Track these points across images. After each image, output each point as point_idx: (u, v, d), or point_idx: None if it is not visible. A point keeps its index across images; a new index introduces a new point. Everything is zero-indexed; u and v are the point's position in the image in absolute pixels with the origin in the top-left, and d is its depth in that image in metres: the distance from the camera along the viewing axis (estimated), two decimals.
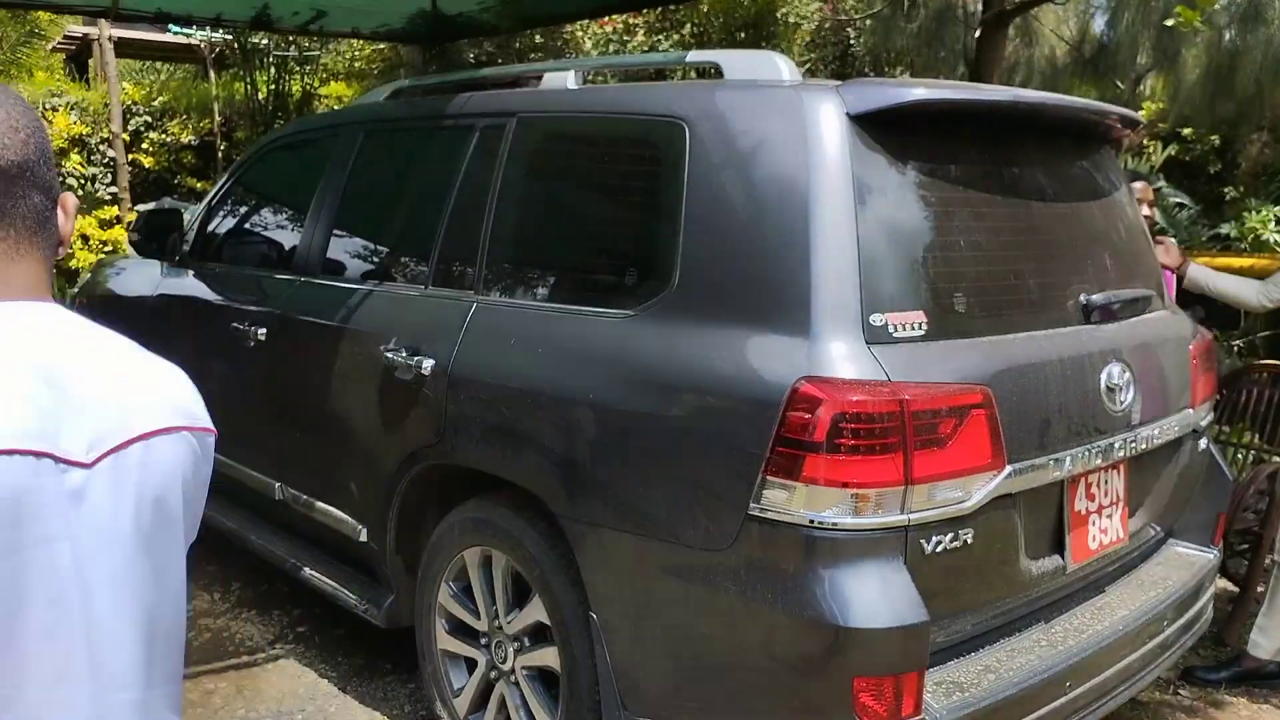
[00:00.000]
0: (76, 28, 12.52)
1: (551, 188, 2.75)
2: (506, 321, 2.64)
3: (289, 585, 4.04)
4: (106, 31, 9.61)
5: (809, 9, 10.39)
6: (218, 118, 10.06)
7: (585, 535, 2.31)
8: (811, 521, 1.95)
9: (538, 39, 10.64)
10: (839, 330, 2.02)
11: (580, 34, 10.76)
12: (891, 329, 2.05)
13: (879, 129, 2.19)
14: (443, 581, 2.84)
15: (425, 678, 2.92)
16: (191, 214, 4.28)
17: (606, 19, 11.00)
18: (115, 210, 9.31)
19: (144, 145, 9.78)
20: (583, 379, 2.35)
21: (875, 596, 1.93)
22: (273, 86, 10.05)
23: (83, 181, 9.39)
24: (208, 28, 10.74)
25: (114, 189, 9.44)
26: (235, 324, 3.58)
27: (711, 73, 2.49)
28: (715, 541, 2.06)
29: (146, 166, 9.76)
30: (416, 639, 2.95)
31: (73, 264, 8.75)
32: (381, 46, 10.99)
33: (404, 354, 2.82)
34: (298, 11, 7.47)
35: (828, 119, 2.16)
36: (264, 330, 3.45)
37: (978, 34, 6.14)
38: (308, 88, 10.36)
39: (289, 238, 3.71)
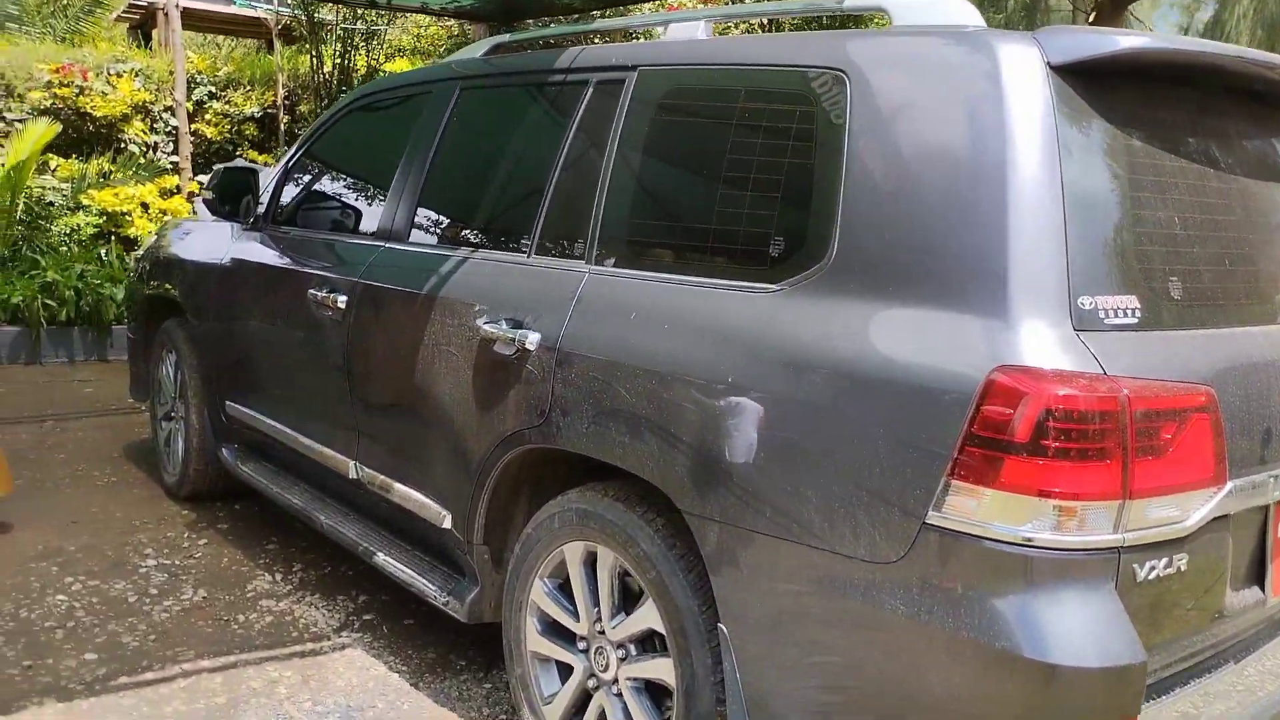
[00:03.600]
0: None
1: (679, 148, 2.48)
2: (625, 295, 2.37)
3: (353, 568, 3.82)
4: None
5: None
6: (281, 91, 9.91)
7: (718, 537, 2.04)
8: (1006, 536, 1.67)
9: (599, 19, 10.38)
10: (1041, 313, 1.73)
11: (651, 13, 10.50)
12: (1102, 314, 1.76)
13: (1084, 83, 1.89)
14: (537, 577, 2.58)
15: (513, 680, 2.67)
16: (266, 175, 4.06)
17: (675, 1, 10.73)
18: (175, 180, 9.18)
19: (207, 115, 9.66)
20: (721, 361, 2.07)
21: (1084, 629, 1.64)
22: (338, 61, 9.89)
23: (144, 149, 9.28)
24: (275, 0, 10.64)
25: (175, 158, 9.31)
26: (313, 291, 3.36)
27: (874, 21, 2.20)
28: (883, 553, 1.78)
29: (209, 137, 9.64)
30: (504, 638, 2.70)
31: (130, 231, 8.63)
32: (449, 23, 10.81)
33: (504, 326, 2.57)
34: None
35: (1026, 70, 1.87)
36: (344, 298, 3.22)
37: (1090, 20, 5.79)
38: (372, 63, 10.18)
39: (373, 201, 3.48)
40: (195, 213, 9.03)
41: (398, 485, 3.06)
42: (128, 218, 8.63)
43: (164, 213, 8.85)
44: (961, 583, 1.70)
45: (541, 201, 2.71)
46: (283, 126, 9.93)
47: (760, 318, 2.06)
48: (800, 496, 1.90)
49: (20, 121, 8.55)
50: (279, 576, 3.75)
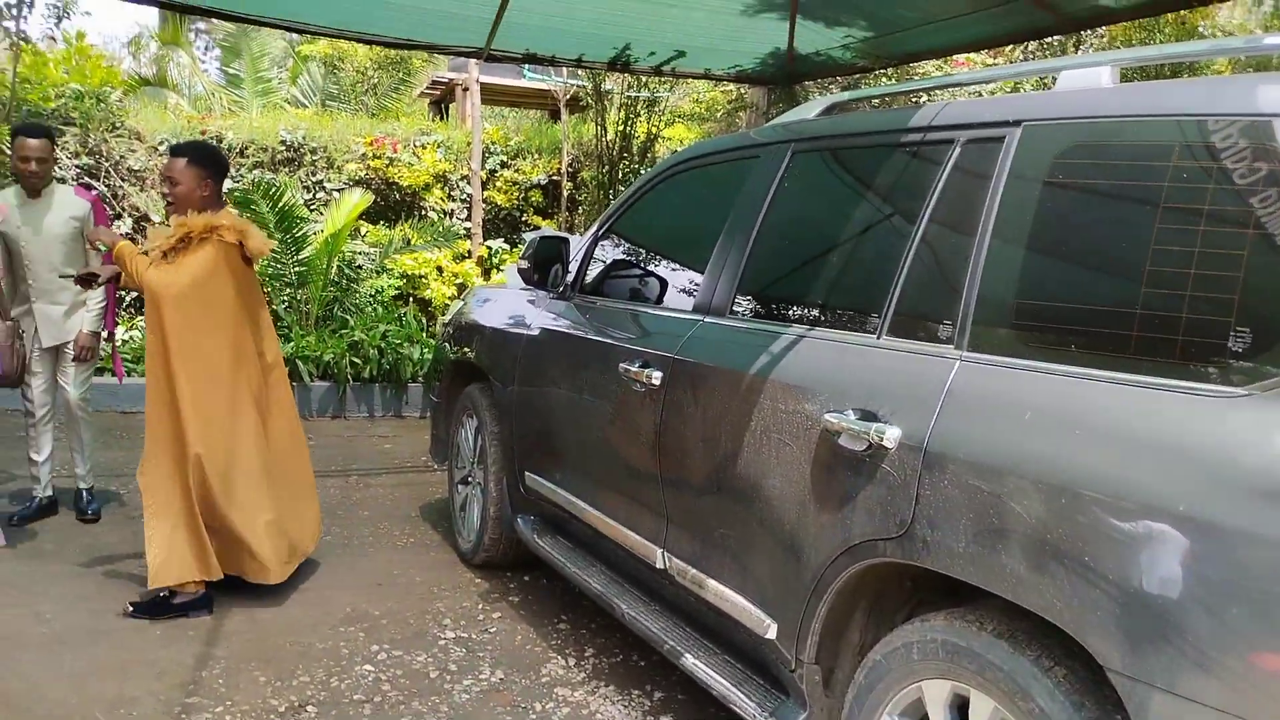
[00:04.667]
0: (441, 74, 13.43)
1: (1084, 216, 2.08)
2: (1016, 389, 1.98)
3: (645, 659, 3.59)
4: (475, 74, 10.06)
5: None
6: (565, 158, 10.22)
7: (1164, 710, 1.60)
8: None
9: (884, 80, 10.02)
10: None
11: (935, 74, 10.02)
12: None
13: None
14: (885, 714, 2.21)
15: None
16: (575, 243, 3.99)
17: (962, 58, 10.21)
18: (467, 245, 9.63)
19: (498, 183, 10.11)
20: (1164, 481, 1.64)
21: None
22: (621, 128, 10.09)
23: (441, 215, 9.82)
24: (565, 70, 11.07)
25: (468, 224, 9.78)
26: (624, 365, 3.19)
27: None
28: None
29: (498, 203, 10.07)
30: None
31: (426, 294, 9.10)
32: (728, 88, 10.82)
33: (852, 418, 2.25)
34: (654, 52, 7.39)
35: None
36: (658, 374, 3.02)
37: None
38: (652, 129, 10.32)
39: (689, 272, 3.28)
40: (485, 278, 9.42)
41: (712, 582, 2.79)
42: (424, 280, 9.12)
43: (456, 276, 9.29)
44: None
45: (895, 276, 2.38)
46: (565, 192, 10.23)
47: (1222, 430, 1.62)
48: None
49: (338, 191, 9.27)
50: (572, 662, 3.58)
